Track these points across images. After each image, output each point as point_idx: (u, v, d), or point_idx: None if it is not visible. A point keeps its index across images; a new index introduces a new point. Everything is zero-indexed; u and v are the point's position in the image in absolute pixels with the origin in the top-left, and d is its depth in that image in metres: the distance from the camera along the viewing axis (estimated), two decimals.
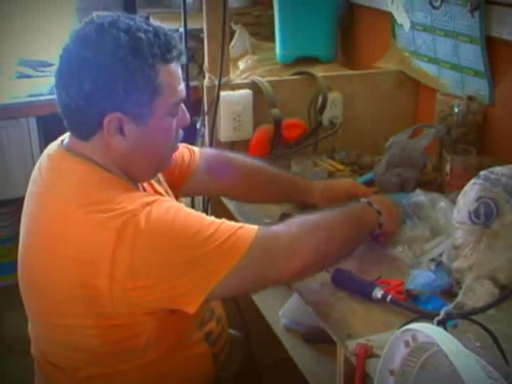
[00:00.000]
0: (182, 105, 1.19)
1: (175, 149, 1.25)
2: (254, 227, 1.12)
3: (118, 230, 1.03)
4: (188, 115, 1.22)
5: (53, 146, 1.22)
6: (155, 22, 2.69)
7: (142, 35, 1.08)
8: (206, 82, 1.83)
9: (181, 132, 1.22)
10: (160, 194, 1.30)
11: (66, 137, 1.20)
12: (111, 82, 1.07)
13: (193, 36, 2.44)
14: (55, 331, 1.16)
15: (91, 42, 1.07)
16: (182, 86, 1.16)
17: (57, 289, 1.10)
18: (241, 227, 1.11)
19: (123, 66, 1.06)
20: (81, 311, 1.09)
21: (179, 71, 1.16)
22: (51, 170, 1.17)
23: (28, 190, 1.22)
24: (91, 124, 1.11)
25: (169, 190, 1.37)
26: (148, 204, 1.07)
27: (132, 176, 1.18)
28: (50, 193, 1.14)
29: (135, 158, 1.15)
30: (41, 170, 1.19)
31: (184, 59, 1.17)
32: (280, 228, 1.17)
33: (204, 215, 1.13)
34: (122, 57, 1.06)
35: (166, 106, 1.13)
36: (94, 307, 1.07)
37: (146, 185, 1.27)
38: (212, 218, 1.12)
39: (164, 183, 1.36)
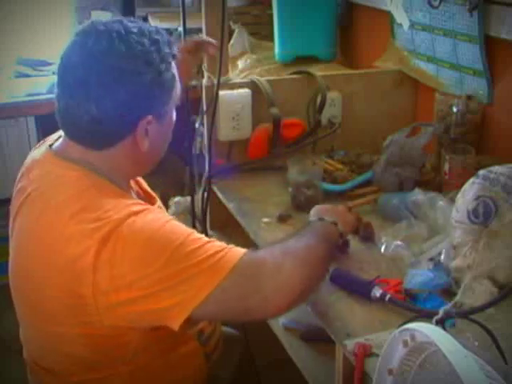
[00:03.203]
0: None
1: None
2: (241, 250, 1.09)
3: (102, 240, 1.02)
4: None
5: (39, 151, 1.21)
6: (154, 21, 2.69)
7: (157, 37, 1.12)
8: (204, 81, 1.83)
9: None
10: (146, 191, 1.32)
11: (51, 141, 1.20)
12: (145, 87, 1.09)
13: (192, 35, 2.44)
14: (46, 338, 1.16)
15: (119, 51, 1.07)
16: (177, 77, 1.19)
17: (48, 298, 1.09)
18: (227, 248, 1.08)
19: (154, 69, 1.10)
20: (70, 320, 1.08)
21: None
22: (42, 177, 1.15)
23: (14, 197, 1.20)
24: (121, 133, 1.11)
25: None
26: (134, 213, 1.06)
27: (129, 175, 1.19)
28: (42, 201, 1.12)
29: (148, 157, 1.18)
30: (29, 178, 1.17)
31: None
32: (265, 255, 1.12)
33: (193, 231, 1.09)
34: (151, 61, 1.10)
35: (175, 101, 1.18)
36: (81, 317, 1.06)
37: (132, 183, 1.29)
38: (200, 236, 1.09)
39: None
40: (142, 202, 1.18)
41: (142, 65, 1.09)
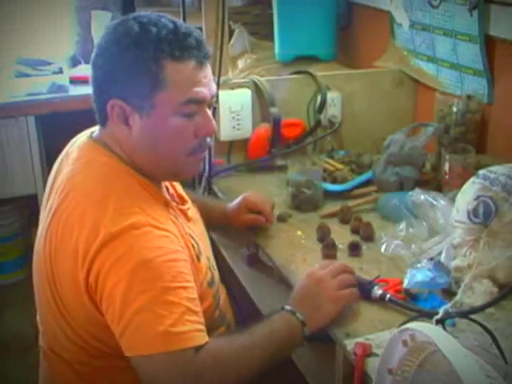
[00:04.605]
0: (208, 111, 1.17)
1: (197, 157, 1.21)
2: (204, 338, 1.07)
3: (107, 238, 1.05)
4: (212, 123, 1.17)
5: (81, 136, 1.25)
6: None
7: (154, 29, 1.11)
8: None
9: (209, 141, 1.20)
10: (181, 196, 1.32)
11: (95, 129, 1.24)
12: (114, 69, 1.11)
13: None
14: (60, 324, 1.16)
15: (109, 31, 1.14)
16: (200, 88, 1.13)
17: (63, 279, 1.11)
18: (197, 329, 1.07)
19: (125, 54, 1.10)
20: (76, 302, 1.10)
21: (199, 72, 1.14)
22: (78, 159, 1.19)
23: (51, 180, 1.24)
24: (102, 111, 1.15)
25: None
26: (150, 225, 1.07)
27: (145, 172, 1.18)
28: (73, 183, 1.15)
29: (144, 152, 1.16)
30: (68, 160, 1.21)
31: (207, 60, 1.17)
32: (213, 363, 1.08)
33: (191, 285, 1.09)
34: (125, 46, 1.10)
35: (172, 104, 1.12)
36: (83, 299, 1.09)
37: (167, 184, 1.29)
38: (190, 296, 1.07)
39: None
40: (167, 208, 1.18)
41: (116, 48, 1.11)
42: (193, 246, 1.18)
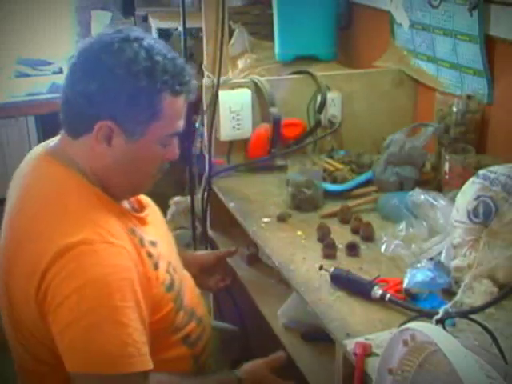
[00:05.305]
0: (175, 139, 1.21)
1: (157, 178, 1.25)
2: (150, 364, 1.08)
3: (59, 252, 1.04)
4: (177, 150, 1.23)
5: (36, 149, 1.24)
6: (154, 21, 2.69)
7: (160, 59, 1.11)
8: (204, 80, 1.83)
9: (166, 164, 1.24)
10: (140, 202, 1.31)
11: (52, 140, 1.22)
12: (116, 91, 1.09)
13: (192, 35, 2.44)
14: (15, 333, 1.18)
15: (113, 49, 1.10)
16: (181, 122, 1.18)
17: (17, 290, 1.12)
18: (144, 353, 1.07)
19: (133, 80, 1.09)
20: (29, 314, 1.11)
21: (183, 107, 1.17)
22: (32, 172, 1.18)
23: (9, 192, 1.23)
24: (84, 124, 1.13)
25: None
26: (102, 241, 1.07)
27: (108, 189, 1.18)
28: (29, 196, 1.15)
29: (116, 172, 1.16)
30: (23, 172, 1.20)
31: (193, 97, 1.19)
32: None
33: (140, 306, 1.09)
34: (135, 72, 1.09)
35: (160, 134, 1.15)
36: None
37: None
38: (138, 317, 1.08)
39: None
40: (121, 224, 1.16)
41: (124, 71, 1.09)
42: (149, 255, 1.17)
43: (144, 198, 1.34)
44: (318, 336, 1.47)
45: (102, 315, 1.04)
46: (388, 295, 1.20)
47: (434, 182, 1.65)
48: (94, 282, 1.04)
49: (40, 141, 2.67)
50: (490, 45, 1.65)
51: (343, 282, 1.28)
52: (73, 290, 1.04)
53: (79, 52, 1.13)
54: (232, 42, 2.40)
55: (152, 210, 1.34)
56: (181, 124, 1.18)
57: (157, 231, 1.27)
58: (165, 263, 1.22)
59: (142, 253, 1.15)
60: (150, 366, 1.08)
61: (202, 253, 1.72)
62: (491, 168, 1.25)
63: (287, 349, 1.49)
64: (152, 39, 1.15)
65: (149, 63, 1.10)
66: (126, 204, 1.24)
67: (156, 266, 1.18)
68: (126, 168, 1.17)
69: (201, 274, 1.58)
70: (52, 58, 2.92)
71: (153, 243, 1.20)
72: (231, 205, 1.71)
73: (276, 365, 1.37)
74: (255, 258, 1.77)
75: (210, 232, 1.97)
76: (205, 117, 1.87)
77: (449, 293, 1.21)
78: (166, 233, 1.37)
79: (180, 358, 1.28)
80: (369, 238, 1.46)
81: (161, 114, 1.13)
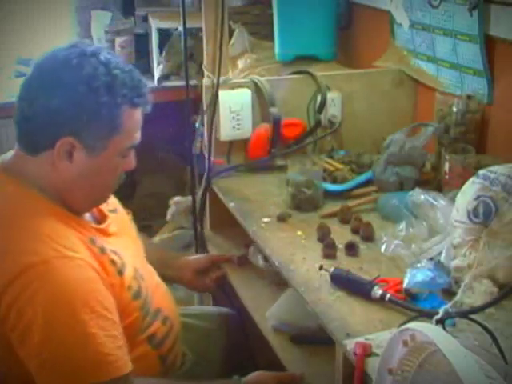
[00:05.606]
0: (133, 150, 1.22)
1: (115, 188, 1.26)
2: (129, 366, 1.10)
3: (17, 270, 1.04)
4: (134, 161, 1.24)
5: None
6: (154, 21, 2.68)
7: (119, 73, 1.12)
8: (204, 80, 1.83)
9: (123, 175, 1.25)
10: (102, 212, 1.30)
11: (5, 155, 1.22)
12: (78, 108, 1.09)
13: (192, 35, 2.44)
14: None
15: (71, 65, 1.10)
16: (139, 133, 1.19)
17: None
18: (121, 357, 1.08)
19: (94, 96, 1.10)
20: None
21: (141, 118, 1.18)
22: None
23: None
24: (45, 141, 1.13)
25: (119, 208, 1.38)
26: (60, 256, 1.07)
27: (68, 204, 1.17)
28: None
29: (77, 186, 1.17)
30: None
31: (149, 109, 1.20)
32: None
33: (110, 312, 1.10)
34: (96, 88, 1.09)
35: (120, 147, 1.16)
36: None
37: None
38: (109, 324, 1.09)
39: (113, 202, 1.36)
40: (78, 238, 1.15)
41: (85, 87, 1.09)
42: (112, 262, 1.17)
43: (112, 203, 1.34)
44: (308, 338, 1.48)
45: (71, 332, 1.04)
46: (388, 295, 1.20)
47: (434, 182, 1.65)
48: (58, 301, 1.04)
49: None
50: (489, 45, 1.65)
51: (343, 281, 1.28)
52: (38, 312, 1.03)
53: (35, 68, 1.13)
54: (232, 42, 2.39)
55: (118, 216, 1.34)
56: (138, 135, 1.19)
57: (120, 241, 1.27)
58: (131, 270, 1.23)
59: (103, 261, 1.15)
60: (129, 367, 1.09)
61: (196, 257, 1.74)
62: (491, 168, 1.25)
63: (276, 352, 1.49)
64: (107, 52, 1.15)
65: (108, 78, 1.10)
66: (86, 216, 1.24)
67: (121, 273, 1.18)
68: (87, 182, 1.17)
69: (195, 276, 1.61)
70: None
71: (115, 252, 1.20)
72: (231, 205, 1.71)
73: (286, 382, 1.37)
74: (245, 259, 1.76)
75: (210, 232, 1.97)
76: (205, 117, 1.87)
77: (449, 293, 1.21)
78: (133, 240, 1.37)
79: (145, 358, 1.27)
80: (369, 237, 1.46)
81: (121, 128, 1.14)
